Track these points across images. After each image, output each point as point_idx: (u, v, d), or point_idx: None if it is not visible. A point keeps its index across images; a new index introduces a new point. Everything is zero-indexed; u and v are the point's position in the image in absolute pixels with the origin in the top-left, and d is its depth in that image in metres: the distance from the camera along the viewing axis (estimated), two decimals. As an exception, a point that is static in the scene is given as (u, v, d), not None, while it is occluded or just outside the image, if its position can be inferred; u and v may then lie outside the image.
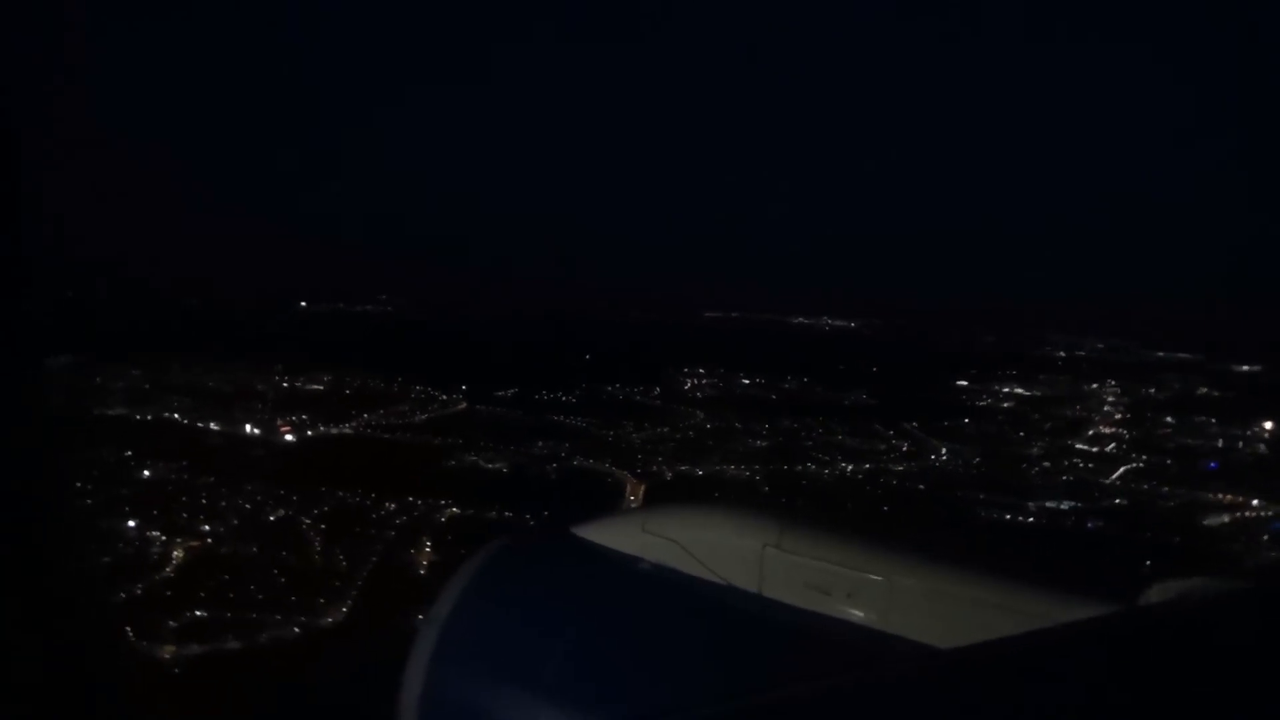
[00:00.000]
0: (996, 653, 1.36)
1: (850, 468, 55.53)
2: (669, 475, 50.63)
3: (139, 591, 31.28)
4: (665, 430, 64.85)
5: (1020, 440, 65.48)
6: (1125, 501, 49.21)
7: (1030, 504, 47.30)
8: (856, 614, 1.98)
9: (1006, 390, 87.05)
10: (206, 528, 38.13)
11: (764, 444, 61.78)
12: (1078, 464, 58.28)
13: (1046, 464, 57.87)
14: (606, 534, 2.28)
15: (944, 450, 61.54)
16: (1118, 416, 75.45)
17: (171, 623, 28.48)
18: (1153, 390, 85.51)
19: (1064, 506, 47.26)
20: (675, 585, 2.11)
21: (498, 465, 51.98)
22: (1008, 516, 45.06)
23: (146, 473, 45.10)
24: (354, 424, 60.86)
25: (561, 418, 67.09)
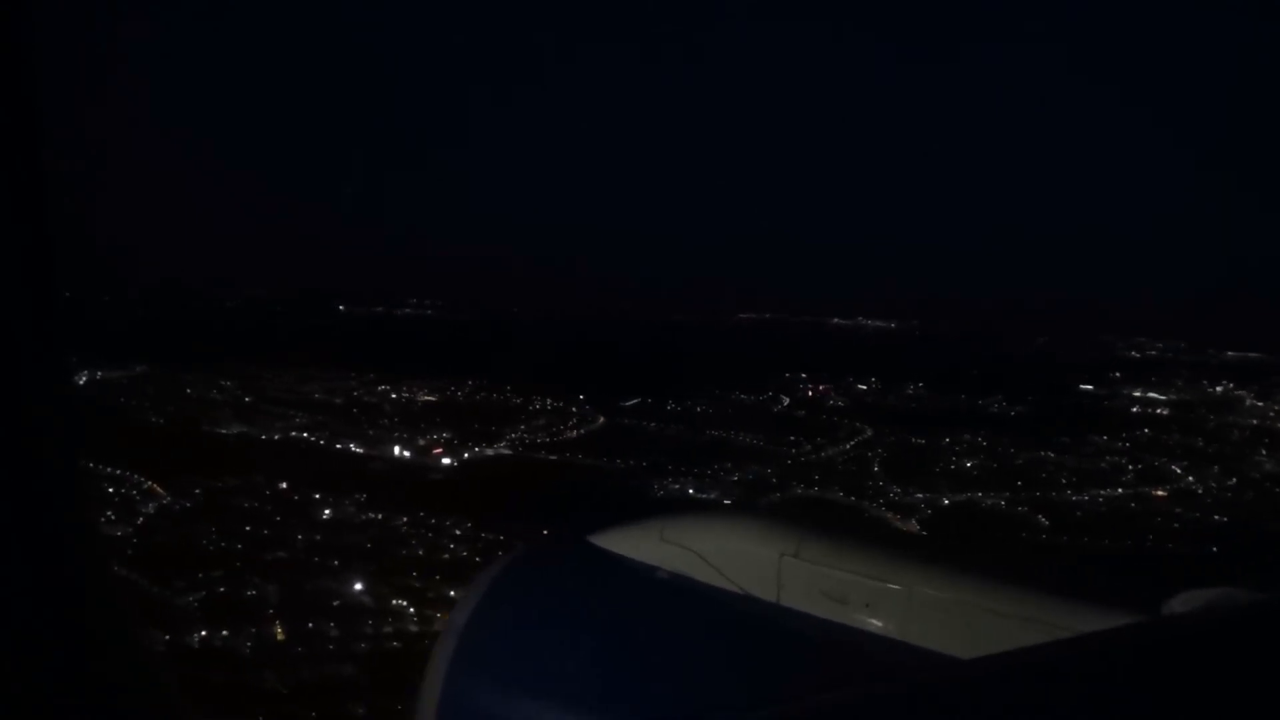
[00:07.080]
0: (1016, 664, 1.32)
1: (1105, 493, 48.05)
2: (927, 510, 42.80)
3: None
4: (849, 448, 57.25)
5: (1239, 455, 58.71)
6: None
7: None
8: (875, 624, 1.93)
9: (1138, 394, 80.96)
10: (451, 593, 29.82)
11: (971, 464, 54.25)
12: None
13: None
14: (624, 542, 2.20)
15: (1177, 470, 54.22)
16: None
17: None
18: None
19: None
20: (692, 594, 2.07)
21: (714, 494, 43.93)
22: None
23: (328, 511, 36.80)
24: (508, 444, 52.63)
25: (720, 432, 59.41)
